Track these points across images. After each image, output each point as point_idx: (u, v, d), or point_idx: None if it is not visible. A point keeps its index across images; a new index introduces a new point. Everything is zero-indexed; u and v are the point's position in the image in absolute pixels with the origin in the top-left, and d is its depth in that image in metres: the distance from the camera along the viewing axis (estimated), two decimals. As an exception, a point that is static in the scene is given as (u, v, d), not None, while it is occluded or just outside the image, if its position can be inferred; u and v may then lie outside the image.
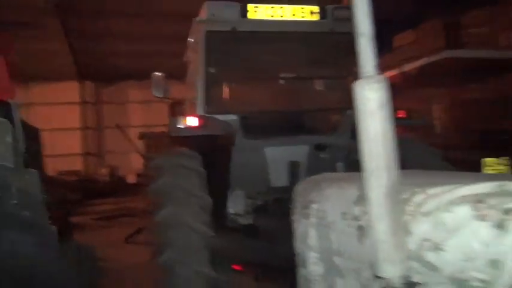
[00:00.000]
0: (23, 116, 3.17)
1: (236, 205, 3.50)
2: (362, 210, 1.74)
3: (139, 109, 18.02)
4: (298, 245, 2.29)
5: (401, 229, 1.47)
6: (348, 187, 1.98)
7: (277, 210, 3.34)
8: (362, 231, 1.73)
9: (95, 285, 3.57)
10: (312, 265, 2.13)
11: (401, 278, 1.43)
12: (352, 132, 3.65)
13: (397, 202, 1.47)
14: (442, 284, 1.38)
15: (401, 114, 3.52)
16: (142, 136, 12.56)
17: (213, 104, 3.56)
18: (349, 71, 3.83)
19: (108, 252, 5.25)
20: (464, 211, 1.29)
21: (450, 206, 1.35)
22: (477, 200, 1.26)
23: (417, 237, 1.45)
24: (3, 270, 2.13)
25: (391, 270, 1.43)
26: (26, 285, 2.19)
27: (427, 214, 1.43)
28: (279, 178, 3.59)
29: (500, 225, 1.17)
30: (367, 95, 1.45)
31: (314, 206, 2.19)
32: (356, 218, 1.79)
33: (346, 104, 3.00)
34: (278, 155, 3.59)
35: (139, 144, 12.43)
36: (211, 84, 3.67)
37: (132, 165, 15.79)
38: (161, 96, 4.24)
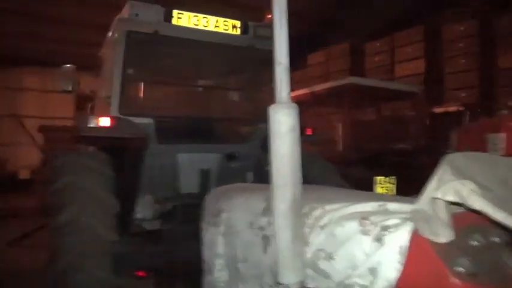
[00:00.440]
0: None
1: (144, 210, 3.47)
2: (267, 221, 1.90)
3: (38, 98, 16.51)
4: (206, 252, 2.38)
5: (300, 240, 1.65)
6: (255, 198, 2.13)
7: (184, 216, 3.38)
8: (266, 240, 1.88)
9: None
10: (218, 271, 2.24)
11: (298, 283, 1.60)
12: (263, 144, 3.87)
13: (299, 215, 1.65)
14: (331, 289, 1.59)
15: (308, 131, 3.82)
16: (42, 129, 11.55)
17: (127, 105, 3.49)
18: (264, 86, 4.04)
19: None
20: (352, 226, 1.51)
21: (341, 221, 1.56)
22: (362, 217, 1.49)
23: (313, 247, 1.64)
24: None
25: (290, 277, 1.60)
26: None
27: (322, 227, 1.63)
28: (189, 185, 3.64)
29: (378, 239, 1.40)
30: (280, 119, 1.61)
31: (223, 214, 2.30)
32: (262, 228, 1.94)
33: (259, 117, 3.19)
34: (190, 162, 3.63)
35: (38, 137, 11.41)
36: (127, 85, 3.59)
37: (25, 159, 14.39)
38: (69, 90, 4.03)
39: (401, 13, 12.30)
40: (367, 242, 1.44)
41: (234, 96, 4.55)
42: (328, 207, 1.67)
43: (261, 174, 3.74)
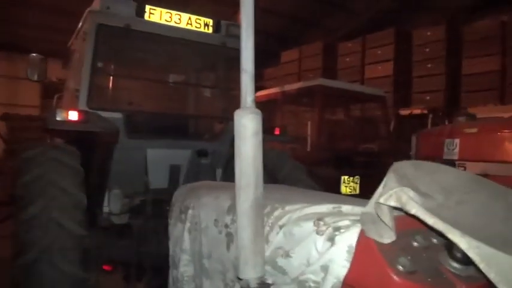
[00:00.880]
0: None
1: (112, 204, 3.49)
2: (231, 219, 1.99)
3: (3, 84, 15.93)
4: (172, 247, 2.46)
5: (261, 238, 1.75)
6: (221, 197, 2.22)
7: (153, 211, 3.43)
8: (230, 237, 1.98)
9: None
10: (183, 266, 2.32)
11: (257, 279, 1.70)
12: (233, 141, 3.95)
13: (260, 215, 1.75)
14: (288, 285, 1.70)
15: (277, 131, 3.93)
16: (5, 117, 11.20)
17: (96, 99, 3.49)
18: (235, 84, 4.11)
19: None
20: (308, 226, 1.62)
21: (299, 221, 1.67)
22: (318, 218, 1.60)
23: (273, 245, 1.75)
24: None
25: (250, 273, 1.70)
26: None
27: (281, 226, 1.74)
28: (158, 180, 3.69)
29: (330, 239, 1.52)
30: (244, 123, 1.70)
31: (190, 211, 2.38)
32: (226, 226, 2.03)
33: (230, 115, 3.25)
34: (160, 158, 3.68)
35: (1, 125, 11.06)
36: (96, 79, 3.59)
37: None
38: (36, 80, 3.98)
39: (375, 15, 12.63)
40: (320, 241, 1.55)
41: (206, 93, 4.61)
42: (287, 207, 1.77)
43: (231, 172, 3.82)
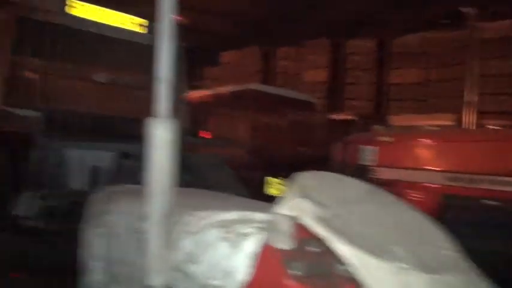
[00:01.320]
0: None
1: (25, 207, 3.29)
2: (143, 225, 1.98)
3: None
4: (84, 253, 2.38)
5: (170, 245, 1.76)
6: (136, 202, 2.19)
7: (69, 214, 3.28)
8: (141, 243, 1.96)
9: None
10: (95, 272, 2.26)
11: (163, 286, 1.72)
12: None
13: (170, 222, 1.76)
14: (196, 290, 1.73)
15: (207, 134, 3.95)
16: None
17: (14, 96, 3.29)
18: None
19: None
20: (215, 233, 1.66)
21: (207, 228, 1.71)
22: (224, 225, 1.65)
23: (182, 252, 1.77)
24: None
25: (156, 279, 1.71)
26: None
27: (191, 233, 1.76)
28: (77, 182, 3.53)
29: (235, 245, 1.57)
30: (157, 133, 1.70)
31: (105, 216, 2.32)
32: (138, 232, 2.01)
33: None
34: (80, 159, 3.53)
35: None
36: (15, 75, 3.38)
37: None
38: None
39: (313, 23, 13.05)
40: (226, 247, 1.60)
41: (132, 94, 4.50)
42: (198, 214, 1.80)
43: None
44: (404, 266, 1.20)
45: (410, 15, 10.18)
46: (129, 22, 3.77)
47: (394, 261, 1.22)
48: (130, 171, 3.74)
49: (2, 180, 3.02)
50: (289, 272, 1.44)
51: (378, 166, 3.62)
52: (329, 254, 1.53)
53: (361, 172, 3.77)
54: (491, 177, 3.03)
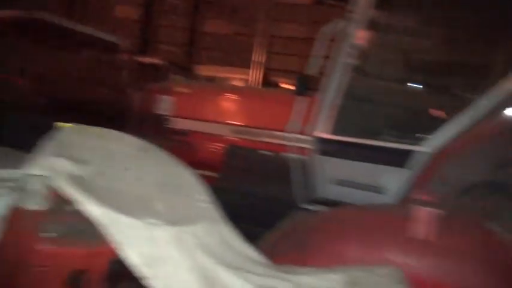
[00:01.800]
0: None
1: None
2: None
3: None
4: None
5: None
6: None
7: None
8: None
9: None
10: None
11: None
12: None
13: None
14: None
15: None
16: None
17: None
18: None
19: None
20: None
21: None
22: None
23: None
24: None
25: None
26: None
27: None
28: None
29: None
30: None
31: None
32: None
33: None
34: None
35: None
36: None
37: None
38: None
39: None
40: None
41: None
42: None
43: None
44: (154, 221, 1.27)
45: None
46: None
47: (145, 218, 1.27)
48: None
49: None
50: (42, 234, 1.36)
51: (174, 116, 3.71)
52: (83, 214, 1.49)
53: (158, 121, 3.80)
54: (267, 132, 3.46)
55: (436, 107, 3.01)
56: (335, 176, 3.03)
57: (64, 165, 1.32)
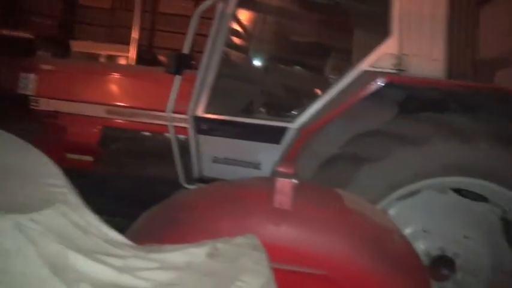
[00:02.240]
0: None
1: None
2: None
3: None
4: None
5: None
6: None
7: None
8: None
9: None
10: None
11: None
12: None
13: None
14: None
15: None
16: None
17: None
18: None
19: None
20: None
21: None
22: None
23: None
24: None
25: None
26: None
27: None
28: None
29: None
30: None
31: None
32: None
33: None
34: None
35: None
36: None
37: None
38: None
39: None
40: None
41: None
42: None
43: None
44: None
45: None
46: None
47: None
48: None
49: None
50: None
51: (39, 96, 3.35)
52: None
53: (20, 102, 3.40)
54: (145, 112, 3.33)
55: (305, 87, 3.23)
56: (215, 154, 3.07)
57: None
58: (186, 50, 2.90)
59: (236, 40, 3.16)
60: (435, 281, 2.56)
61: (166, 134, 3.11)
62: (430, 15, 2.58)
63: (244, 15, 3.28)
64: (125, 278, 1.22)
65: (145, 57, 8.10)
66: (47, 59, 4.06)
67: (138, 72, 3.88)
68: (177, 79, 2.92)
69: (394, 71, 2.55)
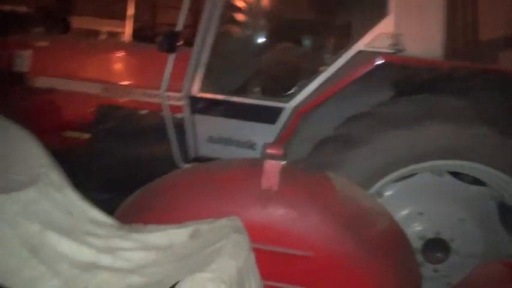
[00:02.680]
0: None
1: None
2: None
3: None
4: None
5: None
6: None
7: None
8: None
9: None
10: None
11: None
12: None
13: None
14: None
15: None
16: None
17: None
18: None
19: None
20: None
21: None
22: None
23: None
24: None
25: None
26: None
27: None
28: None
29: None
30: None
31: None
32: None
33: None
34: None
35: None
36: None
37: None
38: None
39: None
40: None
41: None
42: None
43: None
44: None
45: None
46: None
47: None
48: None
49: None
50: None
51: (34, 74, 3.33)
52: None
53: (16, 80, 3.38)
54: (140, 90, 3.31)
55: (301, 66, 3.18)
56: (210, 134, 3.06)
57: None
58: (179, 27, 2.84)
59: (232, 17, 3.09)
60: (430, 263, 2.57)
61: (162, 113, 3.09)
62: (428, -5, 2.50)
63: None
64: (105, 258, 1.23)
65: (145, 34, 7.98)
66: (43, 35, 4.02)
67: (133, 50, 3.83)
68: (171, 57, 2.87)
69: (391, 51, 2.49)
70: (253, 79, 3.04)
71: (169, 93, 2.98)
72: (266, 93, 2.99)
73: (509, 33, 2.70)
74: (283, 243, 1.62)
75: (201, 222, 1.46)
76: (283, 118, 2.81)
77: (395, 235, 1.83)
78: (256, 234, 1.49)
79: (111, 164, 3.32)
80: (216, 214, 1.53)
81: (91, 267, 1.18)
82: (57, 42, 3.76)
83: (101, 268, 1.18)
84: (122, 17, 8.72)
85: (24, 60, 3.30)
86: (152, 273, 1.20)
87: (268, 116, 2.86)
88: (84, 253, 1.22)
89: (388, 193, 2.60)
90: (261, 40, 3.23)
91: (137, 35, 7.28)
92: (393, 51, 2.48)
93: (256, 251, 1.41)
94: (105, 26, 7.62)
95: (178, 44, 2.78)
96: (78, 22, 8.12)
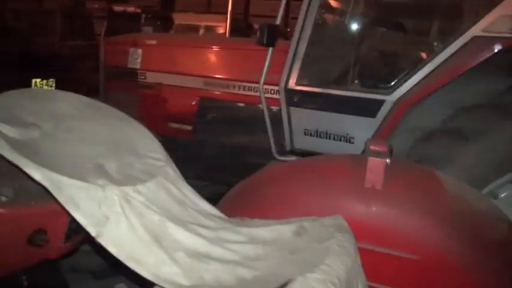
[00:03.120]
0: None
1: None
2: None
3: None
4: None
5: None
6: None
7: None
8: None
9: None
10: None
11: None
12: None
13: None
14: None
15: None
16: None
17: None
18: None
19: None
20: None
21: None
22: None
23: None
24: None
25: None
26: None
27: None
28: None
29: None
30: None
31: None
32: None
33: None
34: None
35: None
36: None
37: None
38: None
39: None
40: None
41: None
42: None
43: None
44: (101, 182, 1.28)
45: None
46: None
47: (91, 179, 1.29)
48: None
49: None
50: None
51: (144, 70, 3.64)
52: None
53: (130, 75, 3.72)
54: (239, 83, 3.41)
55: (405, 55, 2.99)
56: (306, 127, 3.05)
57: (7, 130, 1.31)
58: (277, 20, 2.85)
59: (329, 5, 3.01)
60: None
61: (260, 105, 3.15)
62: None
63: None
64: (215, 249, 1.31)
65: (239, 26, 8.18)
66: (151, 33, 4.36)
67: (233, 44, 3.95)
68: (269, 50, 2.91)
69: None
70: (352, 70, 2.94)
71: (267, 86, 3.03)
72: (366, 85, 2.88)
73: None
74: (386, 244, 1.56)
75: (304, 220, 1.47)
76: (384, 111, 2.68)
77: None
78: (359, 233, 1.47)
79: (210, 154, 3.51)
80: (318, 211, 1.54)
81: (204, 257, 1.26)
82: (162, 40, 4.04)
83: (213, 259, 1.26)
84: (218, 11, 9.07)
85: (137, 57, 3.61)
86: (260, 267, 1.24)
87: (368, 109, 2.75)
88: (198, 243, 1.31)
89: (504, 194, 2.35)
90: (359, 28, 3.10)
91: (231, 27, 7.52)
92: (515, 36, 2.21)
93: (359, 250, 1.38)
94: (204, 21, 8.00)
95: (276, 37, 2.80)
96: (179, 18, 8.63)
